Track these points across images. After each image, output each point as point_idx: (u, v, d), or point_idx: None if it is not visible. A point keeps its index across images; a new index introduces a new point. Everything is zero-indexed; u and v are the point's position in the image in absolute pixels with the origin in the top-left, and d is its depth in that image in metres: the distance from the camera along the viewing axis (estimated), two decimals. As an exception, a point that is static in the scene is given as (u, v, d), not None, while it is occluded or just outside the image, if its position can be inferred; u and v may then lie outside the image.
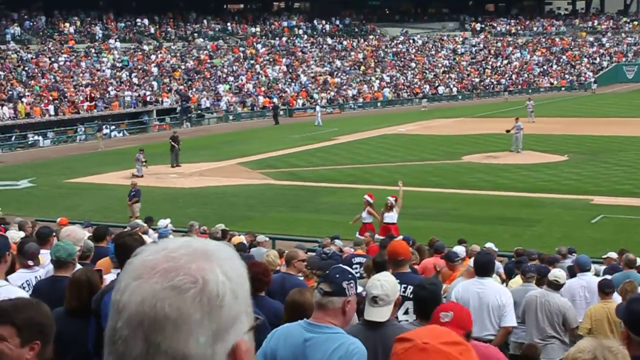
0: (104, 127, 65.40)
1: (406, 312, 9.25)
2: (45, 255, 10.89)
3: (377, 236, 23.36)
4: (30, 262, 9.41)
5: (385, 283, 6.19)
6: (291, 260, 11.52)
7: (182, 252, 1.88)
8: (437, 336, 3.08)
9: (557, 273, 12.69)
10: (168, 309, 1.80)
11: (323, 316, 5.50)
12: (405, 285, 9.20)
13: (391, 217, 27.63)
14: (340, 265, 5.91)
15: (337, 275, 5.55)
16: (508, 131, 52.48)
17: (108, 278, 8.39)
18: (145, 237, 17.41)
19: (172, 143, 49.44)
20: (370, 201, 28.97)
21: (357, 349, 5.40)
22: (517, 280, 14.69)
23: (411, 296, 8.98)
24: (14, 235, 13.63)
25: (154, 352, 1.79)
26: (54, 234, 12.44)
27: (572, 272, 14.93)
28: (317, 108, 78.97)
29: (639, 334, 4.59)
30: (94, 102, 71.32)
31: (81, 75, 77.63)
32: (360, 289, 5.90)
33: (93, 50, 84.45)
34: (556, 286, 12.50)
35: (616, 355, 3.59)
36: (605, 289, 12.20)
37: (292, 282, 10.63)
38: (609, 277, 14.07)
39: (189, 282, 1.83)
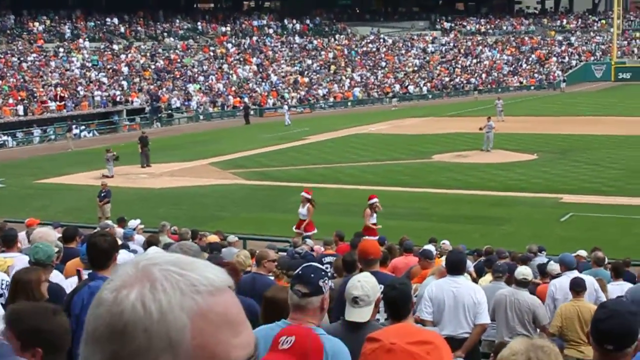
0: (73, 127, 65.05)
1: (378, 311, 9.30)
2: (16, 258, 10.83)
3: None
4: None
5: (365, 284, 6.20)
6: (261, 261, 11.50)
7: (160, 262, 1.85)
8: (405, 335, 3.10)
9: (524, 271, 12.76)
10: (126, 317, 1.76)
11: (302, 317, 5.49)
12: (376, 285, 9.25)
13: (374, 218, 27.85)
14: (311, 263, 5.89)
15: (312, 275, 5.53)
16: (481, 129, 52.64)
17: (74, 280, 8.36)
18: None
19: (140, 144, 49.14)
20: (308, 197, 29.04)
21: (340, 349, 5.41)
22: (487, 279, 14.77)
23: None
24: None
25: None
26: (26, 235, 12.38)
27: (541, 271, 15.02)
28: (285, 107, 78.86)
29: (600, 345, 4.61)
30: (63, 102, 70.85)
31: (50, 74, 77.14)
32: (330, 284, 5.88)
33: (62, 50, 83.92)
34: (524, 284, 12.58)
35: (549, 355, 3.59)
36: (576, 288, 12.29)
37: (263, 282, 10.61)
38: (579, 276, 14.17)
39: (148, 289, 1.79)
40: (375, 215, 27.99)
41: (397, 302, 6.62)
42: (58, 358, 4.64)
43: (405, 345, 3.07)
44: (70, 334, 4.89)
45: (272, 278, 11.35)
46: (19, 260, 10.43)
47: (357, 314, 6.16)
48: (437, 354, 3.10)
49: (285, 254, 19.35)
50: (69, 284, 8.76)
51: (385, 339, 3.13)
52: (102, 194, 34.30)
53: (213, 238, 20.23)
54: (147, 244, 16.22)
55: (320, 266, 6.12)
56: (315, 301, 5.48)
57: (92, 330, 1.76)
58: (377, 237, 23.40)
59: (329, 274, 14.98)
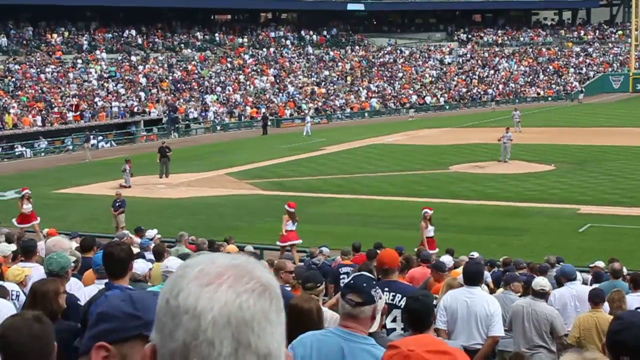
0: (91, 137, 65.33)
1: (394, 320, 9.28)
2: (33, 268, 10.87)
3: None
4: None
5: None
6: (279, 271, 11.55)
7: (241, 260, 1.98)
8: (424, 345, 3.09)
9: (541, 282, 12.70)
10: (254, 309, 1.88)
11: (356, 325, 5.49)
12: (393, 294, 9.23)
13: (430, 231, 27.74)
14: (363, 273, 5.91)
15: (365, 285, 5.55)
16: (499, 140, 52.52)
17: (92, 289, 8.36)
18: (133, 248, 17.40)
19: (160, 154, 49.32)
20: (291, 210, 29.05)
21: None
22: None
23: (400, 305, 9.01)
24: (4, 248, 13.56)
25: (243, 351, 1.86)
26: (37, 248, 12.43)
27: (558, 282, 14.95)
28: (307, 118, 79.00)
29: (616, 358, 4.56)
30: (80, 113, 71.14)
31: (68, 86, 77.50)
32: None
33: (80, 61, 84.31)
34: (542, 295, 12.52)
35: None
36: (595, 299, 12.22)
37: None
38: (598, 286, 14.11)
39: (261, 285, 1.93)
40: (431, 227, 27.75)
41: (420, 314, 6.61)
42: None
43: (423, 353, 3.06)
44: (53, 340, 4.97)
45: (288, 289, 11.35)
46: (36, 271, 10.48)
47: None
48: (454, 367, 3.07)
49: (302, 264, 19.37)
50: (87, 293, 8.77)
51: (404, 346, 3.13)
52: (117, 204, 34.36)
53: (232, 248, 20.22)
54: (154, 255, 16.23)
55: (371, 275, 6.14)
56: (368, 310, 5.50)
57: (268, 315, 1.93)
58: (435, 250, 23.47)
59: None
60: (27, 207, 33.23)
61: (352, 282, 5.61)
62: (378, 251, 18.23)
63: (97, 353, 2.35)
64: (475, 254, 22.91)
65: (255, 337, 1.87)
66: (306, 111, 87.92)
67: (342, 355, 5.38)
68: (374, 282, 5.72)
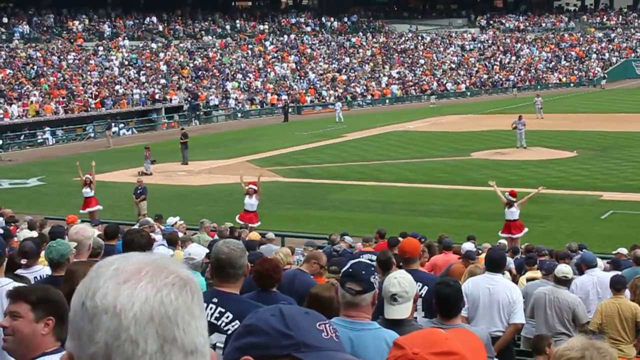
0: (112, 125, 65.53)
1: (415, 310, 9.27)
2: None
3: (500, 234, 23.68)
4: (24, 261, 9.40)
5: (402, 280, 6.19)
6: (311, 260, 11.61)
7: (155, 257, 1.92)
8: (430, 345, 3.04)
9: (564, 269, 12.65)
10: (176, 303, 1.82)
11: (357, 313, 5.50)
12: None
13: (512, 213, 27.51)
14: (360, 260, 5.88)
15: (364, 272, 5.53)
16: (513, 127, 52.31)
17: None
18: (153, 235, 17.48)
19: (182, 140, 49.54)
20: (255, 189, 30.19)
21: None
22: (528, 277, 14.67)
23: (421, 293, 8.99)
24: (26, 234, 13.64)
25: (169, 347, 1.80)
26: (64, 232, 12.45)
27: (579, 269, 14.90)
28: (338, 104, 79.22)
29: None
30: (101, 100, 71.36)
31: (90, 73, 77.73)
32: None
33: (101, 49, 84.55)
34: (565, 282, 12.48)
35: (604, 357, 3.58)
36: (616, 285, 12.17)
37: (302, 280, 10.70)
38: (619, 273, 14.05)
39: (181, 279, 1.87)
40: (514, 210, 27.57)
41: (450, 299, 6.60)
42: (65, 328, 4.79)
43: (428, 356, 3.02)
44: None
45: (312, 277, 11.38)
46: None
47: (397, 311, 6.14)
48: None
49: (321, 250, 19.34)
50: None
51: (410, 347, 3.08)
52: (138, 191, 34.44)
53: (254, 235, 20.24)
54: (168, 243, 16.27)
55: (368, 262, 6.13)
56: (368, 297, 5.50)
57: (192, 309, 1.88)
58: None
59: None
60: (86, 191, 33.23)
61: (350, 270, 5.57)
62: (400, 239, 18.27)
63: None
64: (503, 241, 22.92)
65: (180, 332, 1.81)
66: (336, 98, 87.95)
67: (350, 345, 5.37)
68: (373, 269, 5.70)
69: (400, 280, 6.15)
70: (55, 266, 8.44)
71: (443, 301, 6.93)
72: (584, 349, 3.58)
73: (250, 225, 28.29)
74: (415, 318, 8.74)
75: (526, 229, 27.60)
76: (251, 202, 29.67)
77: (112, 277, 1.84)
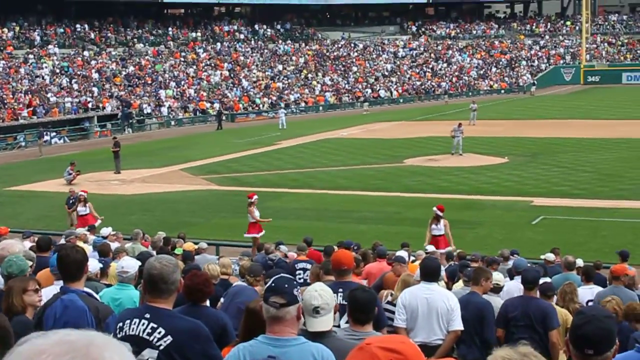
0: (44, 134, 64.75)
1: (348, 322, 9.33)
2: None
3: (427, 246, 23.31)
4: None
5: (323, 292, 6.22)
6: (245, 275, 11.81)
7: (76, 337, 1.85)
8: (385, 341, 3.16)
9: (496, 276, 12.82)
10: None
11: (283, 328, 5.50)
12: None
13: (437, 229, 27.35)
14: (282, 274, 5.91)
15: (287, 285, 5.56)
16: (452, 134, 52.62)
17: (49, 291, 8.30)
18: (85, 245, 17.33)
19: (114, 149, 49.15)
20: (252, 201, 30.09)
21: (329, 353, 5.46)
22: (460, 284, 14.80)
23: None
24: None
25: None
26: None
27: (511, 275, 15.11)
28: (281, 111, 79.63)
29: (581, 351, 4.71)
30: (32, 108, 70.46)
31: (20, 81, 76.68)
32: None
33: (32, 56, 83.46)
34: (497, 290, 12.65)
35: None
36: (547, 292, 12.33)
37: (247, 294, 10.93)
38: (548, 279, 14.27)
39: None
40: (439, 226, 27.50)
41: (365, 305, 6.63)
42: (5, 352, 4.77)
43: (375, 349, 3.13)
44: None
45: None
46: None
47: (321, 323, 6.18)
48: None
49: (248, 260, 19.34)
50: (43, 295, 8.67)
51: (372, 340, 3.20)
52: (71, 201, 34.03)
53: (188, 246, 20.15)
54: (99, 254, 16.16)
55: (289, 275, 6.17)
56: (293, 310, 5.51)
57: None
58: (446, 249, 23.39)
59: (302, 282, 15.08)
60: (81, 210, 32.41)
61: (273, 285, 5.59)
62: (335, 248, 18.32)
63: None
64: (431, 248, 23.07)
65: None
66: (281, 104, 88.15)
67: None
68: (295, 283, 5.74)
69: (320, 293, 6.20)
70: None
71: (357, 306, 6.96)
72: (514, 358, 3.66)
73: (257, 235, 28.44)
74: (338, 325, 8.77)
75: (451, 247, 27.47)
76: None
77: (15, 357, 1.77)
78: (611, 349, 4.68)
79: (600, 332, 4.64)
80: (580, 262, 17.95)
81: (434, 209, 27.69)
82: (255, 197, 30.31)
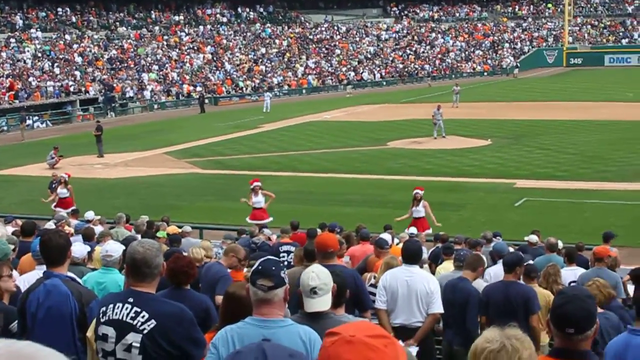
0: (26, 118, 64.45)
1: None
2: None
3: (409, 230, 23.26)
4: None
5: (320, 273, 6.25)
6: (229, 253, 11.79)
7: (19, 347, 1.81)
8: (363, 330, 3.18)
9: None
10: None
11: (271, 310, 5.51)
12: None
13: (417, 211, 27.47)
14: (269, 257, 5.91)
15: (274, 268, 5.57)
16: (433, 118, 52.59)
17: (31, 276, 8.29)
18: (68, 228, 17.31)
19: (96, 133, 49.03)
20: (260, 185, 29.53)
21: (315, 336, 5.48)
22: (445, 267, 14.80)
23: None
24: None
25: None
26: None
27: (493, 259, 15.14)
28: (266, 94, 79.77)
29: (561, 330, 4.77)
30: (14, 92, 70.12)
31: (2, 65, 76.27)
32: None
33: (14, 40, 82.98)
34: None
35: (522, 342, 3.73)
36: (530, 274, 12.36)
37: (214, 270, 11.13)
38: (531, 262, 14.31)
39: None
40: (419, 208, 27.55)
41: (338, 289, 6.65)
42: None
43: (364, 338, 3.15)
44: None
45: (228, 271, 11.46)
46: None
47: (318, 304, 6.21)
48: (393, 349, 3.19)
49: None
50: (27, 280, 8.65)
51: (345, 332, 3.21)
52: (53, 185, 33.92)
53: (172, 229, 20.12)
54: (84, 238, 16.12)
55: (276, 258, 6.18)
56: (280, 292, 5.53)
57: None
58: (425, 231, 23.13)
59: (285, 264, 15.09)
60: (61, 192, 32.36)
61: (260, 267, 5.59)
62: (319, 230, 18.32)
63: None
64: (414, 231, 23.12)
65: None
66: (264, 87, 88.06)
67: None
68: (282, 265, 5.76)
69: (318, 274, 6.22)
70: None
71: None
72: (501, 339, 3.71)
73: (261, 222, 27.99)
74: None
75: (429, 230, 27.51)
76: (258, 200, 29.30)
77: None
78: (591, 328, 4.75)
79: (581, 311, 4.70)
80: (560, 244, 18.02)
81: (414, 191, 27.85)
82: (256, 183, 29.89)
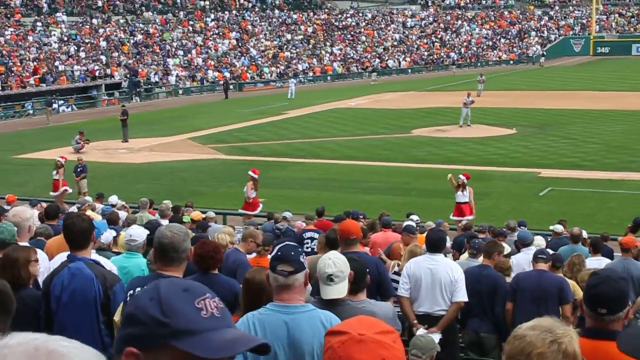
0: (52, 102, 64.70)
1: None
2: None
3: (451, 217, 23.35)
4: None
5: (337, 260, 6.25)
6: (247, 238, 11.79)
7: (40, 342, 1.79)
8: (370, 326, 3.15)
9: (507, 247, 12.81)
10: None
11: (292, 295, 5.49)
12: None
13: (463, 196, 27.47)
14: (286, 242, 5.91)
15: (293, 253, 5.56)
16: (465, 104, 52.28)
17: (59, 258, 8.32)
18: (92, 214, 17.37)
19: (122, 117, 49.15)
20: (254, 177, 28.76)
21: (337, 320, 5.46)
22: (465, 255, 14.75)
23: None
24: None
25: None
26: (5, 213, 12.32)
27: (517, 247, 15.08)
28: (291, 80, 79.80)
29: (594, 310, 4.81)
30: (40, 76, 70.40)
31: (28, 49, 76.57)
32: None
33: (40, 24, 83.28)
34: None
35: (571, 339, 3.63)
36: (556, 264, 12.34)
37: (235, 258, 11.12)
38: (555, 252, 14.24)
39: None
40: (463, 193, 27.53)
41: (356, 274, 6.64)
42: (7, 319, 4.78)
43: (375, 336, 3.13)
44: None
45: (250, 256, 11.49)
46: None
47: (334, 291, 6.20)
48: (399, 343, 3.18)
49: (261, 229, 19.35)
50: (54, 263, 8.65)
51: (353, 330, 3.18)
52: (79, 170, 34.03)
53: (196, 215, 20.13)
54: (108, 223, 16.15)
55: (294, 243, 6.18)
56: (301, 277, 5.52)
57: None
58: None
59: (309, 251, 15.10)
60: (54, 175, 32.70)
61: (279, 253, 5.58)
62: (346, 217, 18.31)
63: (126, 359, 2.23)
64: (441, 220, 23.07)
65: None
66: (289, 74, 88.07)
67: (286, 329, 5.40)
68: (300, 250, 5.75)
69: (335, 261, 6.22)
70: (4, 247, 8.32)
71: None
72: (555, 329, 3.63)
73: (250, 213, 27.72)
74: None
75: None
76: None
77: None
78: (624, 309, 4.82)
79: (613, 292, 4.78)
80: (585, 234, 17.92)
81: (460, 176, 27.78)
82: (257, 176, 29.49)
